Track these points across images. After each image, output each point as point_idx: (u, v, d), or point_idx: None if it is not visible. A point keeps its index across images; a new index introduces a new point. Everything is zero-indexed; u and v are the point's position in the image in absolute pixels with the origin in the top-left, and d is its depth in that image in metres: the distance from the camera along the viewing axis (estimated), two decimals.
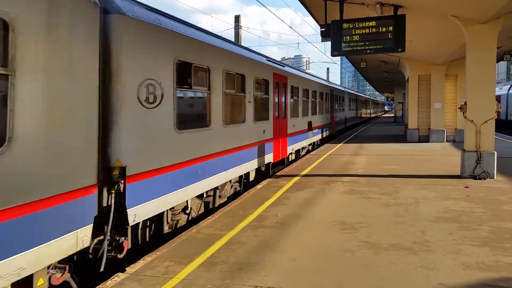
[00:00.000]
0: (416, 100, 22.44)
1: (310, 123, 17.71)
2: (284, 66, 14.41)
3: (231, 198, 9.38)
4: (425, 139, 22.10)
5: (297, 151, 16.13)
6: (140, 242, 6.19)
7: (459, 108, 11.71)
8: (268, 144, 11.59)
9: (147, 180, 5.82)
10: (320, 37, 10.73)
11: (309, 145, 18.48)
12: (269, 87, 11.79)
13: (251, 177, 10.65)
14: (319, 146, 20.31)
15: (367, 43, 9.87)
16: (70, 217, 4.48)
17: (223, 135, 8.41)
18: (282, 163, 13.96)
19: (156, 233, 6.63)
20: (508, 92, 36.17)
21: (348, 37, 9.98)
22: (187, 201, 7.19)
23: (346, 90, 34.55)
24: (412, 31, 12.59)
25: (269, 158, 11.81)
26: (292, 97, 14.68)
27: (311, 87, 18.13)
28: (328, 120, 22.94)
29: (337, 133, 26.70)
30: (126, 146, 5.43)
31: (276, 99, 12.63)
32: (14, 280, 3.85)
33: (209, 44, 7.91)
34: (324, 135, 21.79)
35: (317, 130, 19.49)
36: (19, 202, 3.85)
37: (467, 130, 11.19)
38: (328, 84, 24.47)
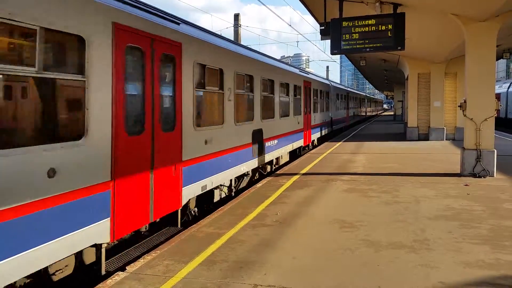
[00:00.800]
0: (416, 98, 22.47)
1: (258, 133, 11.15)
2: (179, 24, 7.22)
3: None
4: (424, 137, 22.12)
5: (237, 179, 10.03)
6: None
7: (458, 106, 11.71)
8: (88, 199, 4.82)
9: None
10: (320, 36, 10.72)
11: (260, 167, 12.02)
12: (92, 59, 4.90)
13: None
14: (282, 165, 14.16)
15: (367, 41, 9.87)
16: None
17: None
18: (173, 221, 7.15)
19: None
20: (507, 90, 36.19)
21: (347, 35, 9.98)
22: None
23: (333, 84, 27.57)
24: (412, 29, 12.58)
25: (87, 238, 4.84)
26: (201, 87, 7.86)
27: (261, 73, 11.37)
28: (300, 124, 16.35)
29: (316, 141, 20.59)
30: None
31: (135, 90, 5.89)
32: None
33: None
34: (292, 147, 15.23)
35: (275, 141, 12.81)
36: None
37: (466, 128, 11.20)
38: (301, 74, 17.11)
